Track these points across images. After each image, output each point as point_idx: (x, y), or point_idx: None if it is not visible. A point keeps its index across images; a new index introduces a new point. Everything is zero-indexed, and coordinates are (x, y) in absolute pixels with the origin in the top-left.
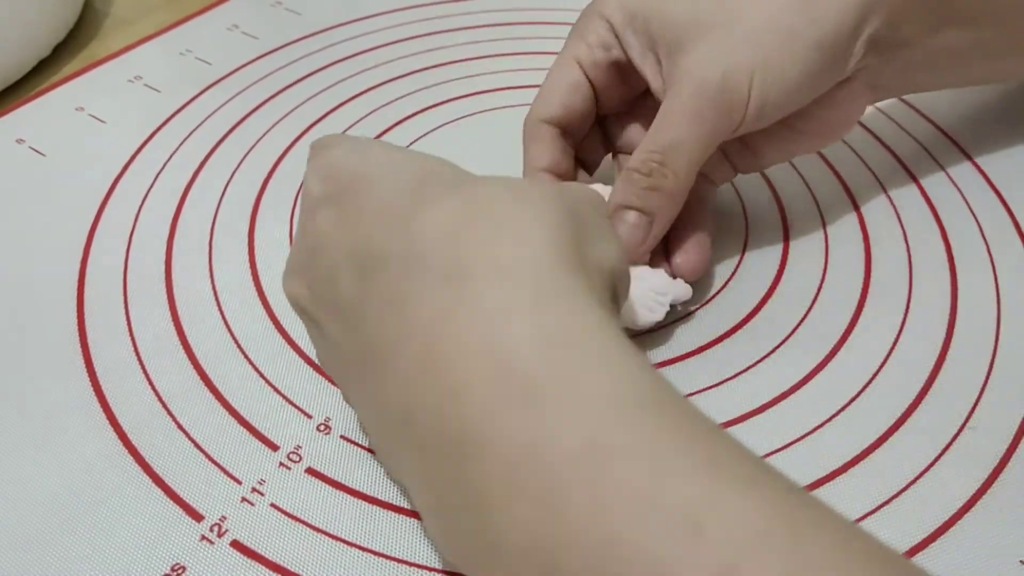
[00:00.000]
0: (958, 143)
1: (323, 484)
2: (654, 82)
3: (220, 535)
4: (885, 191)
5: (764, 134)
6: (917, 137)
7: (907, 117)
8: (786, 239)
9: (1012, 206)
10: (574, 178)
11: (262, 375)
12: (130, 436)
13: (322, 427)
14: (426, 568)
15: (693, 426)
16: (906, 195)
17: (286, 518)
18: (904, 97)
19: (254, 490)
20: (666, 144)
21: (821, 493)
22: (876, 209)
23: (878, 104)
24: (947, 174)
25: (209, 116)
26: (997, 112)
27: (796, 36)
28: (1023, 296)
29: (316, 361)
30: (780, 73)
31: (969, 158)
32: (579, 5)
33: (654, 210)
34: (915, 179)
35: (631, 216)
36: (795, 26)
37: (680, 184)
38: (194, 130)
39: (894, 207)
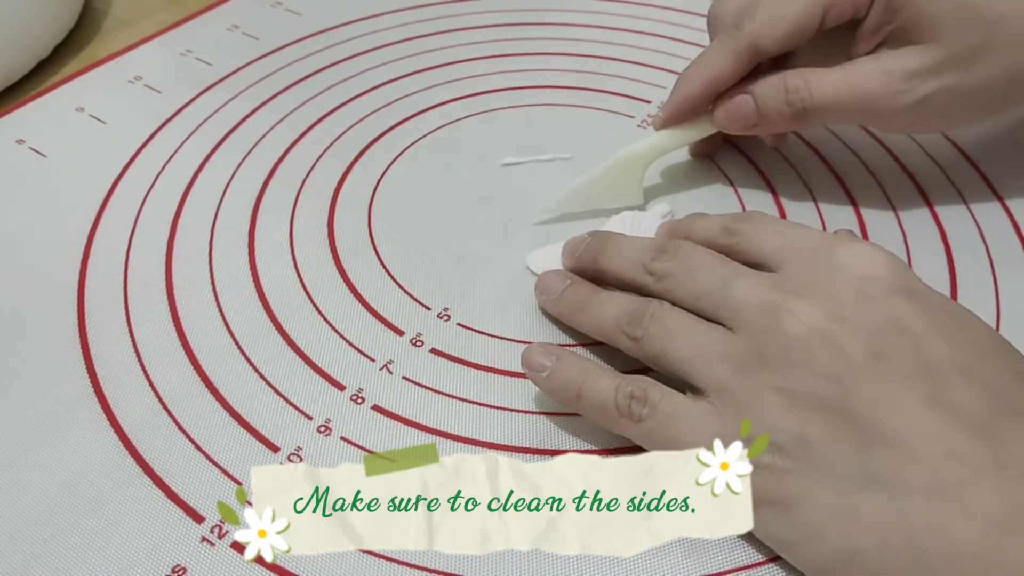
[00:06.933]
0: (957, 144)
1: None
2: None
3: (221, 536)
4: (884, 192)
5: None
6: (916, 138)
7: None
8: None
9: (1011, 206)
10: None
11: (262, 376)
12: (130, 437)
13: (322, 429)
14: (425, 570)
15: None
16: (905, 196)
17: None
18: None
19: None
20: None
21: None
22: (876, 211)
23: None
24: (946, 175)
25: (209, 117)
26: None
27: None
28: (1023, 297)
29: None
30: None
31: (968, 159)
32: (579, 6)
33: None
34: (914, 180)
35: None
36: None
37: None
38: (194, 131)
39: (894, 209)
